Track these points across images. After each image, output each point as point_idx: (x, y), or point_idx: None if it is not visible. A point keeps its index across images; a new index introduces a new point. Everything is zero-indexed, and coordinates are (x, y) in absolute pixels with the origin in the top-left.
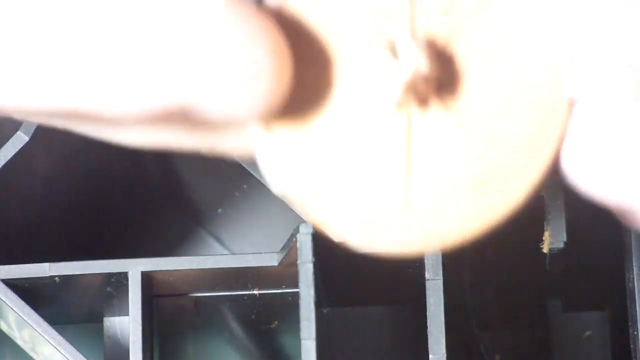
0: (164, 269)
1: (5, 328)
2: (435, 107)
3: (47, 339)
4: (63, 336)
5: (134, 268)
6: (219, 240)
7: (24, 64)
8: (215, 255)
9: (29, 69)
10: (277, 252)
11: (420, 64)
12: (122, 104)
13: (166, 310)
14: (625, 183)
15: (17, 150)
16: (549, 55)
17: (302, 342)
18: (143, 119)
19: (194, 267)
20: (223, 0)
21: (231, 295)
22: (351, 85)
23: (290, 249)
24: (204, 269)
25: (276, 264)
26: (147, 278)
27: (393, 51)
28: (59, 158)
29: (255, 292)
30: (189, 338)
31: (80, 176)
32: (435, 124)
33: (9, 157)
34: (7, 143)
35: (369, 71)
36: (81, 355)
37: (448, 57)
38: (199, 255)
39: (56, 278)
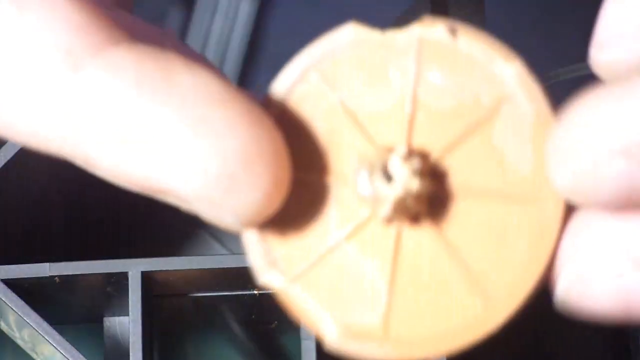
0: (164, 269)
1: (5, 328)
2: (426, 222)
3: (47, 339)
4: (63, 336)
5: (134, 268)
6: (219, 240)
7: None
8: (215, 255)
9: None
10: None
11: (412, 185)
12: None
13: (166, 310)
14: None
15: (17, 150)
16: (540, 177)
17: (302, 342)
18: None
19: (194, 267)
20: (232, 111)
21: (231, 295)
22: (344, 194)
23: None
24: (204, 269)
25: None
26: (147, 278)
27: (385, 168)
28: (59, 158)
29: (255, 292)
30: (189, 338)
31: (79, 176)
32: (424, 239)
33: (9, 157)
34: (7, 143)
35: (362, 183)
36: (81, 355)
37: (441, 172)
38: (199, 255)
39: (56, 278)
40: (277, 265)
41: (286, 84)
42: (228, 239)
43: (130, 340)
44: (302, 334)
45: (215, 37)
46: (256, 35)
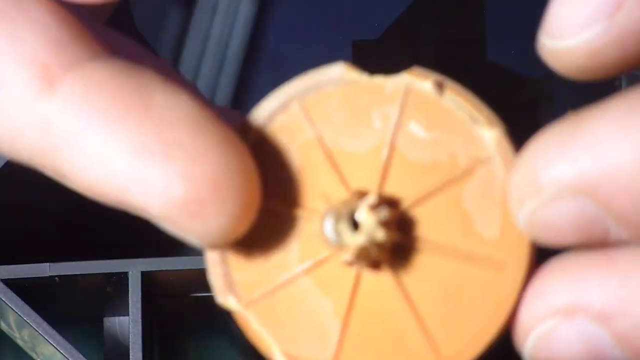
0: (164, 269)
1: (5, 328)
2: (386, 269)
3: (47, 339)
4: (63, 336)
5: (134, 268)
6: None
7: None
8: None
9: None
10: None
11: (377, 235)
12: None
13: (166, 310)
14: None
15: None
16: (505, 242)
17: None
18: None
19: (194, 267)
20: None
21: None
22: (309, 230)
23: None
24: (204, 269)
25: None
26: (147, 278)
27: (352, 216)
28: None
29: None
30: (189, 338)
31: None
32: (383, 285)
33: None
34: None
35: (328, 227)
36: (81, 355)
37: (407, 223)
38: (198, 255)
39: (56, 278)
40: (234, 288)
41: (267, 112)
42: None
43: (130, 339)
44: None
45: (215, 37)
46: (256, 35)
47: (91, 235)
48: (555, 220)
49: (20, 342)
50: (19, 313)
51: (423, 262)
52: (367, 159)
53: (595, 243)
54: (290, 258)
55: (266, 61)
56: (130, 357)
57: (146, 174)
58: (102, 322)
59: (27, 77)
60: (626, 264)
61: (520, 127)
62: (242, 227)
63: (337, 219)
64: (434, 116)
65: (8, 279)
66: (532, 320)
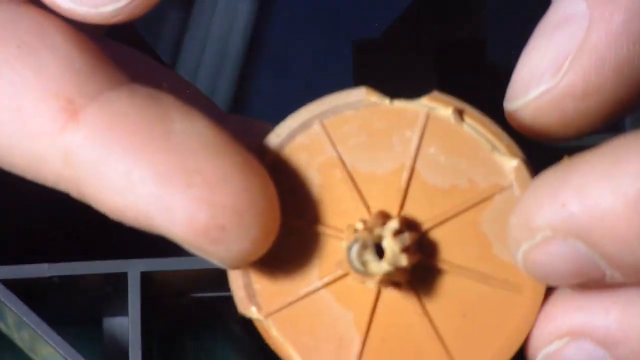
0: (163, 269)
1: (4, 329)
2: (406, 287)
3: (46, 339)
4: (62, 336)
5: (134, 268)
6: None
7: None
8: None
9: None
10: None
11: (401, 261)
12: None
13: (166, 311)
14: None
15: None
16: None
17: None
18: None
19: (193, 267)
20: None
21: (231, 295)
22: (330, 245)
23: None
24: (203, 269)
25: None
26: (147, 278)
27: (376, 244)
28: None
29: None
30: (189, 338)
31: None
32: (402, 302)
33: None
34: None
35: (353, 256)
36: (80, 356)
37: (427, 244)
38: (198, 255)
39: (55, 278)
40: (256, 299)
41: (287, 131)
42: None
43: (130, 340)
44: None
45: (214, 37)
46: (256, 35)
47: (90, 235)
48: (548, 261)
49: (19, 343)
50: (18, 313)
51: (442, 281)
52: (386, 180)
53: (594, 284)
54: (310, 273)
55: (266, 61)
56: (130, 357)
57: (168, 201)
58: (101, 322)
59: (51, 110)
60: (627, 296)
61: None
62: (263, 250)
63: (363, 248)
64: (453, 142)
65: (7, 279)
66: (541, 341)
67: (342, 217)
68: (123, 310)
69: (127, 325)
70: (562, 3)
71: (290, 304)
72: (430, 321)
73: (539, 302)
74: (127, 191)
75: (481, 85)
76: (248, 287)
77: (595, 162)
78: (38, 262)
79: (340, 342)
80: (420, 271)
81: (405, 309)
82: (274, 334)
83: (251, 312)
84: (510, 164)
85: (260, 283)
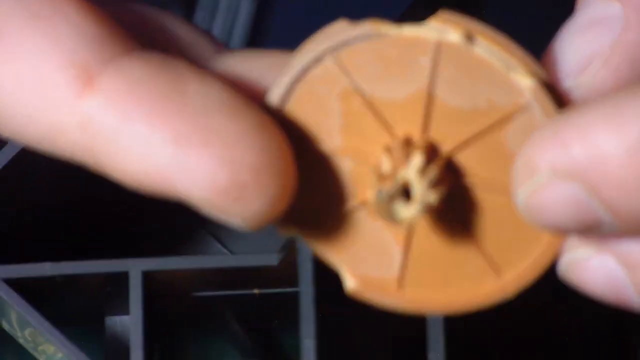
0: (165, 268)
1: (7, 327)
2: (442, 207)
3: (49, 338)
4: (64, 335)
5: (135, 268)
6: (219, 240)
7: None
8: (215, 255)
9: None
10: (277, 252)
11: (430, 199)
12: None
13: (167, 310)
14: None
15: (17, 150)
16: None
17: (302, 341)
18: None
19: (195, 267)
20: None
21: (231, 294)
22: (359, 171)
23: (290, 248)
24: (204, 269)
25: (276, 263)
26: (148, 278)
27: (403, 187)
28: (59, 157)
29: (255, 291)
30: (189, 337)
31: (80, 176)
32: (438, 216)
33: (9, 157)
34: (8, 143)
35: (380, 204)
36: (82, 354)
37: (454, 167)
38: (199, 254)
39: (57, 277)
40: (294, 217)
41: (300, 66)
42: (228, 239)
43: (131, 339)
44: (302, 334)
45: (215, 37)
46: (256, 35)
47: (92, 234)
48: (548, 203)
49: (22, 341)
50: (21, 312)
51: (474, 197)
52: (406, 106)
53: (591, 231)
54: (343, 194)
55: None
56: (131, 356)
57: (188, 162)
58: (103, 321)
59: (68, 78)
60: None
61: None
62: (283, 206)
63: (389, 199)
64: (468, 65)
65: (10, 278)
66: (567, 247)
67: (366, 142)
68: (124, 309)
69: (129, 324)
70: (592, 6)
71: (329, 219)
72: (469, 234)
73: None
74: (147, 156)
75: None
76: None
77: (600, 106)
78: (41, 262)
79: (383, 254)
80: (453, 191)
81: (442, 224)
82: (319, 249)
83: (291, 230)
84: (529, 83)
85: (296, 205)
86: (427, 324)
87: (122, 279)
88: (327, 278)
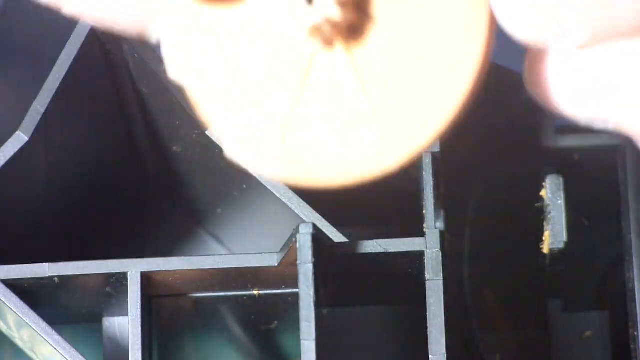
0: (164, 269)
1: (4, 328)
2: (340, 48)
3: (46, 339)
4: (62, 336)
5: (134, 268)
6: (219, 240)
7: None
8: (215, 255)
9: None
10: (277, 252)
11: (332, 13)
12: None
13: (166, 311)
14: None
15: (16, 150)
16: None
17: (302, 342)
18: None
19: (194, 267)
20: None
21: (231, 295)
22: (264, 4)
23: (290, 249)
24: (204, 269)
25: (276, 264)
26: (147, 278)
27: None
28: (59, 158)
29: (255, 292)
30: (189, 338)
31: (79, 176)
32: (335, 63)
33: (8, 157)
34: (7, 143)
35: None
36: (80, 356)
37: (362, 3)
38: (198, 255)
39: (55, 278)
40: (188, 55)
41: None
42: (228, 239)
43: (130, 340)
44: (302, 334)
45: None
46: None
47: (90, 235)
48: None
49: (19, 343)
50: (18, 313)
51: (377, 42)
52: None
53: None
54: (249, 28)
55: None
56: (130, 357)
57: None
58: (101, 322)
59: None
60: None
61: (519, 128)
62: None
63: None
64: None
65: (7, 279)
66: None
67: None
68: (123, 310)
69: (127, 325)
70: None
71: (222, 61)
72: (363, 83)
73: (479, 52)
74: None
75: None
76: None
77: None
78: (39, 262)
79: (270, 104)
80: (356, 33)
81: (338, 71)
82: (202, 96)
83: (179, 75)
84: None
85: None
86: (428, 324)
87: (120, 279)
88: (328, 279)
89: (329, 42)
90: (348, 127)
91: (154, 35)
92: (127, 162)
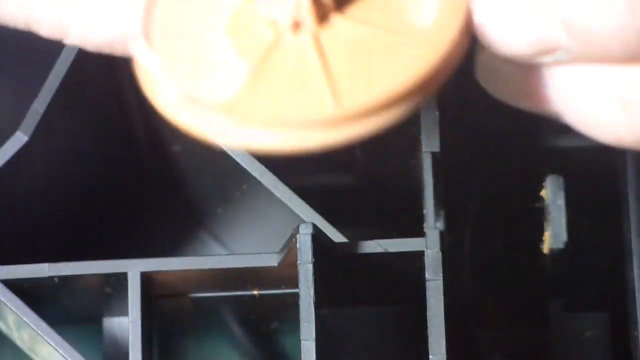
0: (164, 269)
1: (4, 328)
2: (307, 30)
3: (46, 339)
4: (62, 337)
5: (134, 268)
6: (219, 240)
7: None
8: (215, 255)
9: None
10: (276, 253)
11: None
12: None
13: (165, 311)
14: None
15: (16, 150)
16: (436, 25)
17: (302, 342)
18: None
19: (194, 267)
20: None
21: (231, 295)
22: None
23: (290, 249)
24: (204, 270)
25: (276, 264)
26: (147, 278)
27: None
28: (58, 158)
29: (255, 292)
30: (188, 339)
31: (79, 176)
32: (300, 44)
33: (8, 157)
34: (6, 143)
35: None
36: (80, 356)
37: None
38: (198, 255)
39: (55, 278)
40: (151, 29)
41: None
42: (228, 239)
43: (130, 340)
44: (302, 335)
45: None
46: None
47: (90, 235)
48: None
49: (19, 343)
50: (18, 313)
51: (345, 28)
52: None
53: (548, 58)
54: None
55: None
56: (130, 357)
57: None
58: (101, 322)
59: None
60: None
61: (519, 128)
62: None
63: None
64: None
65: (7, 279)
66: None
67: None
68: (123, 311)
69: (127, 326)
70: None
71: (180, 32)
72: (325, 62)
73: (441, 50)
74: None
75: (480, 85)
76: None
77: None
78: (38, 262)
79: (224, 69)
80: (325, 17)
81: (302, 51)
82: (149, 61)
83: (139, 46)
84: None
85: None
86: (428, 324)
87: (120, 279)
88: (328, 279)
89: (296, 27)
90: (303, 96)
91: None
92: (126, 162)
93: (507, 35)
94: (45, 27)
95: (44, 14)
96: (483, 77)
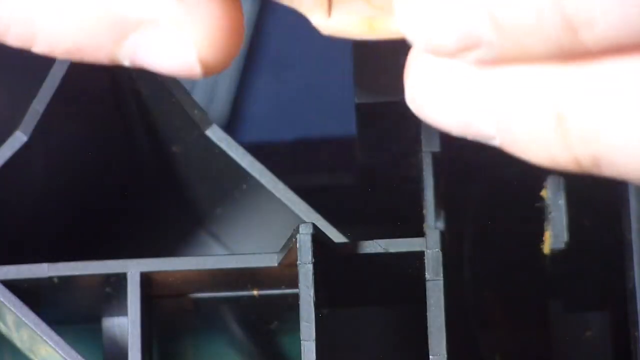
0: (163, 269)
1: (3, 328)
2: None
3: (46, 339)
4: (61, 337)
5: (133, 268)
6: (219, 240)
7: None
8: (215, 255)
9: None
10: (276, 253)
11: None
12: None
13: (165, 311)
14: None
15: (15, 150)
16: None
17: (302, 343)
18: None
19: (194, 267)
20: None
21: (231, 295)
22: None
23: (290, 249)
24: (204, 270)
25: (276, 264)
26: (146, 278)
27: None
28: (58, 158)
29: (255, 292)
30: (188, 339)
31: (78, 176)
32: None
33: (7, 157)
34: (6, 143)
35: None
36: (79, 356)
37: None
38: (198, 255)
39: (54, 278)
40: None
41: None
42: (228, 239)
43: (129, 341)
44: (302, 335)
45: None
46: (256, 35)
47: (90, 235)
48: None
49: (18, 343)
50: (17, 313)
51: None
52: None
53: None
54: None
55: (266, 61)
56: (129, 358)
57: None
58: (100, 323)
59: None
60: None
61: None
62: None
63: None
64: None
65: (6, 279)
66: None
67: None
68: (122, 311)
69: (127, 326)
70: None
71: None
72: None
73: None
74: None
75: None
76: None
77: None
78: (38, 262)
79: None
80: None
81: None
82: None
83: None
84: None
85: None
86: (428, 324)
87: (120, 280)
88: (328, 279)
89: None
90: None
91: (124, 59)
92: (126, 162)
93: (428, 24)
94: (12, 33)
95: (10, 15)
96: (415, 98)
